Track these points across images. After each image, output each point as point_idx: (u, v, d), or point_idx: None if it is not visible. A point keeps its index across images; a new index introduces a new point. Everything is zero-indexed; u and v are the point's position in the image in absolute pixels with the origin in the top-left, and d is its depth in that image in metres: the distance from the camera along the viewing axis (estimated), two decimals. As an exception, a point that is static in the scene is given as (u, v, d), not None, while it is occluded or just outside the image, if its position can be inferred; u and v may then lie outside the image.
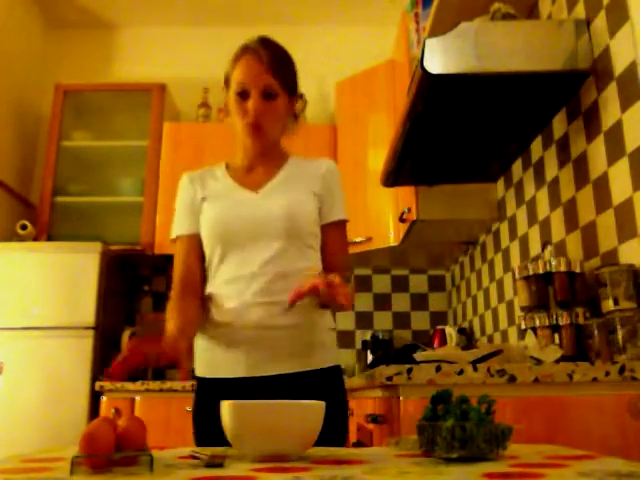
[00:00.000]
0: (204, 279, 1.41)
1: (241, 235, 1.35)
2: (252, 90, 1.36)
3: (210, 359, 1.36)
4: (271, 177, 1.44)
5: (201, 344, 1.39)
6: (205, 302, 1.39)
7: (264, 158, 1.45)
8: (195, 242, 1.42)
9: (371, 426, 1.61)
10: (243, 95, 1.37)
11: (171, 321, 1.28)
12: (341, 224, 1.46)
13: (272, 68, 1.37)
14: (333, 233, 1.44)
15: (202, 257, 1.41)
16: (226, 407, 0.77)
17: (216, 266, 1.38)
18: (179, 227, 1.45)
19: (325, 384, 1.33)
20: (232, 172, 1.48)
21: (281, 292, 1.28)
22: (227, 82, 1.44)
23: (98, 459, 0.67)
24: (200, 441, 1.34)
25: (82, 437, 0.68)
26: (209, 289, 1.39)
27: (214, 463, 0.70)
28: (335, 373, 1.38)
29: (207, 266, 1.41)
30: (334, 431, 1.21)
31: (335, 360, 1.39)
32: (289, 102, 1.43)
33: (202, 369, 1.39)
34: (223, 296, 1.35)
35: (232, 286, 1.34)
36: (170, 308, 1.34)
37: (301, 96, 1.49)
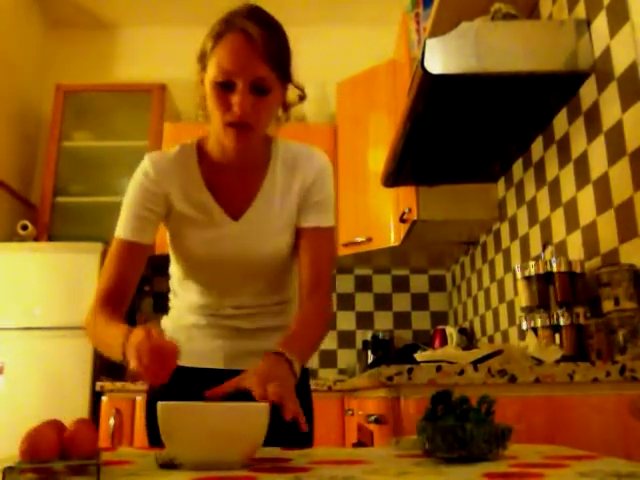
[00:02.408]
0: (133, 295, 1.21)
1: (219, 274, 1.24)
2: (239, 82, 1.07)
3: (188, 347, 1.19)
4: (253, 194, 1.23)
5: (176, 331, 1.28)
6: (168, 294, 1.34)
7: (245, 157, 1.23)
8: (138, 252, 1.20)
9: (372, 426, 1.61)
10: (226, 86, 1.08)
11: (133, 334, 0.93)
12: (323, 231, 1.25)
13: (266, 54, 1.07)
14: (312, 240, 1.24)
15: (141, 270, 1.22)
16: (160, 408, 0.70)
17: (182, 287, 1.30)
18: (123, 228, 1.21)
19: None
20: (207, 172, 1.24)
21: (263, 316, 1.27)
22: (203, 60, 1.13)
23: (36, 469, 0.60)
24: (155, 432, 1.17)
25: (20, 445, 0.62)
26: (179, 293, 1.31)
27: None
28: (302, 375, 1.19)
29: (171, 273, 1.32)
30: (300, 433, 1.16)
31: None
32: (282, 92, 1.16)
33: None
34: (194, 310, 1.28)
35: (204, 310, 1.26)
36: (103, 328, 1.10)
37: (299, 89, 1.21)
